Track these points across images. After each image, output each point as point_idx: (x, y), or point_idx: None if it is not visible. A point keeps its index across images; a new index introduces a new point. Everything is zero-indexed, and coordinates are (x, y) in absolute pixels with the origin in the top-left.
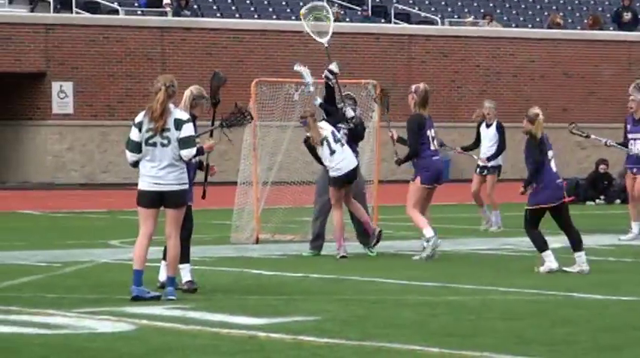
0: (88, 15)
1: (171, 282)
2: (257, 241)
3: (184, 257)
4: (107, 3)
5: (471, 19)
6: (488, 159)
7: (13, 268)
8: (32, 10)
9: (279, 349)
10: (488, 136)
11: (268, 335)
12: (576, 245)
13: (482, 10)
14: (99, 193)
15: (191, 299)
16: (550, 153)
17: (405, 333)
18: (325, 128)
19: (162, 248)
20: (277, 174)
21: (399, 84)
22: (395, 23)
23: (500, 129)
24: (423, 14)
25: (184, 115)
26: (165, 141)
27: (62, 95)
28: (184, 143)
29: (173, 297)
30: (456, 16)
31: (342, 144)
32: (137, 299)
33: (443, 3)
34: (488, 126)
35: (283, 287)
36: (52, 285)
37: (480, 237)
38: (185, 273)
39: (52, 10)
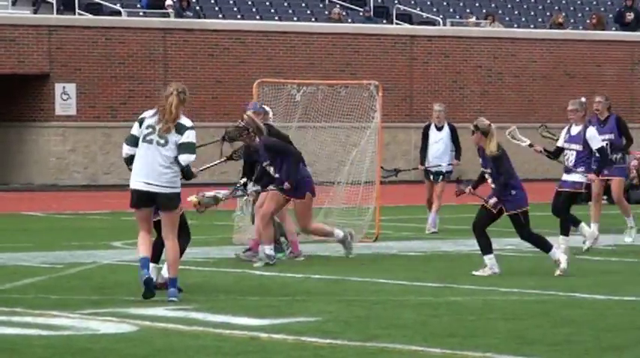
0: (90, 16)
1: (173, 284)
2: None
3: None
4: (109, 4)
5: (472, 19)
6: (457, 158)
7: (17, 269)
8: (35, 12)
9: (282, 350)
10: (442, 139)
11: (270, 336)
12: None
13: (484, 11)
14: (101, 194)
15: (193, 300)
16: None
17: (407, 334)
18: None
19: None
20: None
21: (401, 84)
22: (396, 24)
23: (455, 132)
24: (424, 15)
25: (189, 122)
26: (163, 141)
27: (65, 96)
28: (185, 148)
29: (175, 299)
30: (457, 17)
31: None
32: (148, 284)
33: (445, 3)
34: (438, 129)
35: (285, 288)
36: (55, 287)
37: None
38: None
39: (55, 12)
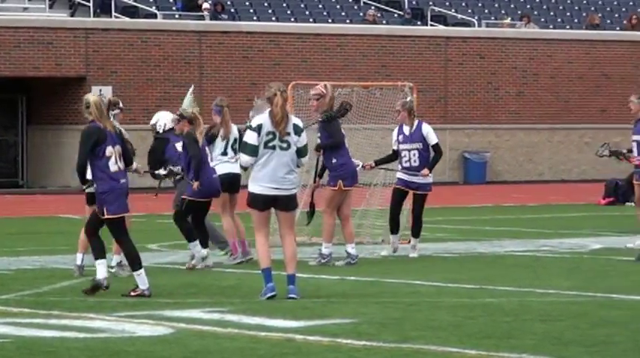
0: (126, 19)
1: (292, 280)
2: None
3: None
4: (145, 7)
5: (507, 20)
6: None
7: (54, 272)
8: (72, 15)
9: (317, 351)
10: None
11: (306, 338)
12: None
13: (519, 12)
14: (134, 197)
15: (228, 303)
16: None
17: (442, 335)
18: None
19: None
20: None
21: (436, 86)
22: (431, 25)
23: None
24: (459, 16)
25: (300, 122)
26: (285, 145)
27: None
28: (304, 150)
29: (294, 296)
30: (492, 18)
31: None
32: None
33: (479, 5)
34: None
35: (320, 289)
36: None
37: (518, 238)
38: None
39: (91, 15)
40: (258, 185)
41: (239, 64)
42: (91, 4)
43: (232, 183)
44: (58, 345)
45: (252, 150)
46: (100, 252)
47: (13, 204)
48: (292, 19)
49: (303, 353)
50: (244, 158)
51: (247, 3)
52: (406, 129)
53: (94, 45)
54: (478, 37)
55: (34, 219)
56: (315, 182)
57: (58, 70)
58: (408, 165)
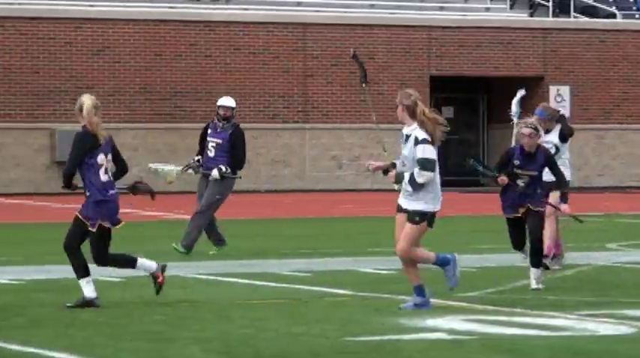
0: (585, 19)
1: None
2: None
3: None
4: (605, 7)
5: None
6: None
7: (515, 270)
8: (531, 15)
9: None
10: None
11: None
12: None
13: None
14: (594, 196)
15: None
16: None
17: None
18: None
19: None
20: None
21: None
22: None
23: None
24: None
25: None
26: None
27: (559, 99)
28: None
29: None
30: None
31: None
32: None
33: None
34: None
35: None
36: (551, 287)
37: None
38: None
39: (550, 15)
40: (439, 202)
41: None
42: (550, 4)
43: None
44: (520, 343)
45: (435, 167)
46: None
47: (475, 202)
48: None
49: None
50: (430, 175)
51: None
52: None
53: (552, 45)
54: None
55: (492, 218)
56: None
57: (517, 70)
58: None
